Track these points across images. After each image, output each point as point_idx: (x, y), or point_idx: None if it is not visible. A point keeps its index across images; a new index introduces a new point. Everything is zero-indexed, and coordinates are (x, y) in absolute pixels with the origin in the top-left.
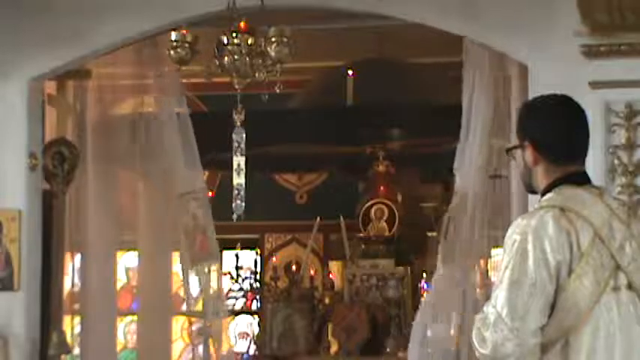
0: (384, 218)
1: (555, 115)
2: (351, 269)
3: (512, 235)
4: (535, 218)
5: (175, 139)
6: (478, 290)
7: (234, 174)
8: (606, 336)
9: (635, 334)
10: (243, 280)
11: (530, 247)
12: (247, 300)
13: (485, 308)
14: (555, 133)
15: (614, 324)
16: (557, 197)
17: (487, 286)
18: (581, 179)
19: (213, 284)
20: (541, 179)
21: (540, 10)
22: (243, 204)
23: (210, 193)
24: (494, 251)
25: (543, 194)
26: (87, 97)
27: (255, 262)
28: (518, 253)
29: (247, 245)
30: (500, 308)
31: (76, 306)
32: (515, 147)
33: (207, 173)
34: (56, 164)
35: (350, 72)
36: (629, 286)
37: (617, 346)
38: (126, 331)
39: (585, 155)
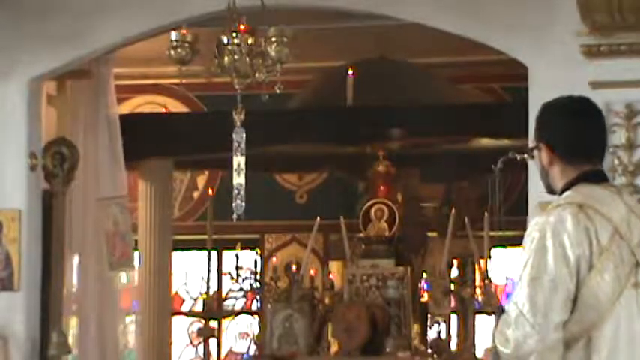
0: (384, 218)
1: (567, 116)
2: (351, 269)
3: (532, 232)
4: (553, 215)
5: (103, 142)
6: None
7: (234, 174)
8: (627, 333)
9: None
10: (243, 280)
11: (549, 243)
12: (247, 300)
13: (506, 307)
14: (567, 134)
15: (635, 321)
16: (575, 195)
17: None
18: (598, 178)
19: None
20: (558, 179)
21: (540, 10)
22: (243, 204)
23: (210, 193)
24: (493, 250)
25: (561, 194)
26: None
27: (255, 262)
28: (537, 250)
29: (247, 245)
30: (522, 305)
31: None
32: (533, 148)
33: (207, 173)
34: (56, 164)
35: (350, 72)
36: None
37: (638, 343)
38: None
39: (602, 154)
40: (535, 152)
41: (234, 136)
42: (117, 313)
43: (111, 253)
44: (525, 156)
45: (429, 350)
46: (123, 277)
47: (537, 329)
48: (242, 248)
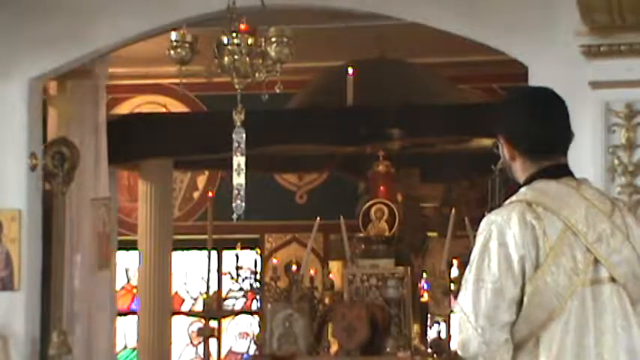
0: (384, 218)
1: (524, 110)
2: (351, 269)
3: (482, 232)
4: (501, 214)
5: (97, 143)
6: None
7: (234, 174)
8: (579, 332)
9: (619, 328)
10: (243, 280)
11: (492, 243)
12: (247, 300)
13: (455, 309)
14: (524, 128)
15: (589, 319)
16: (527, 191)
17: None
18: (558, 172)
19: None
20: (520, 174)
21: (540, 10)
22: (243, 204)
23: (210, 194)
24: None
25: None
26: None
27: (255, 262)
28: (481, 251)
29: (247, 245)
30: (465, 308)
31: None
32: (496, 143)
33: (207, 173)
34: (56, 164)
35: (350, 72)
36: (613, 279)
37: (592, 342)
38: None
39: (563, 148)
40: (500, 146)
41: (234, 136)
42: (112, 312)
43: (99, 252)
44: None
45: (429, 350)
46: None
47: (480, 332)
48: (242, 248)
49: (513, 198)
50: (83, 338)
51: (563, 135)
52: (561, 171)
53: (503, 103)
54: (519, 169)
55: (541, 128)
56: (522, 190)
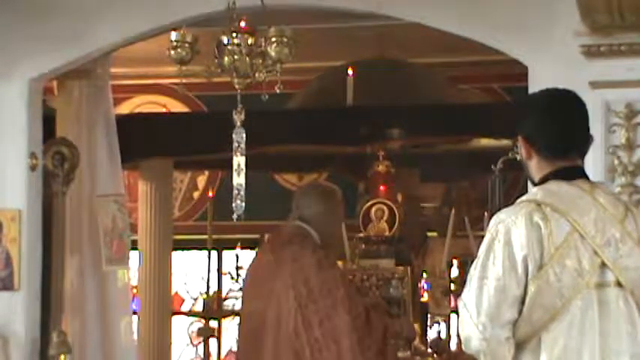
0: (384, 218)
1: (543, 109)
2: (351, 269)
3: (490, 229)
4: (509, 213)
5: (102, 141)
6: None
7: (234, 174)
8: (583, 334)
9: (624, 332)
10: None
11: (498, 242)
12: None
13: (458, 305)
14: (542, 128)
15: (592, 322)
16: (538, 192)
17: None
18: (572, 174)
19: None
20: (535, 173)
21: (540, 10)
22: (243, 204)
23: (210, 194)
24: None
25: None
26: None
27: None
28: (487, 249)
29: (247, 245)
30: (468, 305)
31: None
32: (514, 142)
33: (207, 173)
34: (56, 164)
35: (350, 72)
36: (619, 284)
37: (597, 345)
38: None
39: (580, 150)
40: (518, 145)
41: (234, 136)
42: (116, 311)
43: (108, 248)
44: None
45: (429, 350)
46: (124, 276)
47: (480, 329)
48: (242, 248)
49: (524, 197)
50: (92, 337)
51: (578, 136)
52: (575, 173)
53: (523, 102)
54: (534, 169)
55: (556, 128)
56: (534, 190)
